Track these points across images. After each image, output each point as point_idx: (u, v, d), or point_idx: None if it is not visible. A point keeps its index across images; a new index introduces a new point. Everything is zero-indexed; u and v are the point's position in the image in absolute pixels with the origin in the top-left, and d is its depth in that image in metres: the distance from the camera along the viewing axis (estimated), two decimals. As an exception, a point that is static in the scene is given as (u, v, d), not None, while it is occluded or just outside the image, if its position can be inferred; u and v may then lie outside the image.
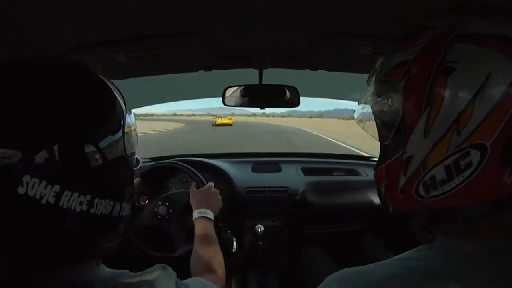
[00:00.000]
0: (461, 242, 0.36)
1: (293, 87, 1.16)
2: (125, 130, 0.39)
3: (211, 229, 0.84)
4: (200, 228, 0.83)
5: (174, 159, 1.31)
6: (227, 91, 1.18)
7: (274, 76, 1.17)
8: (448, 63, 0.33)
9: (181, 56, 0.98)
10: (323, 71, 1.10)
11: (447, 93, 0.33)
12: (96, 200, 0.34)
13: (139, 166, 1.32)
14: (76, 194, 0.32)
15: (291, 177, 1.45)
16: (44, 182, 0.31)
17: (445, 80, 0.33)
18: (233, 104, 1.19)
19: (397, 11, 0.66)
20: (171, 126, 25.24)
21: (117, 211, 0.38)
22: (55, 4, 0.58)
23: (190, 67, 1.12)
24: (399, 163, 0.38)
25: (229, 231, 1.27)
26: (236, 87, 1.17)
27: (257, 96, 1.18)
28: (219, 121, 25.54)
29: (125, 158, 0.40)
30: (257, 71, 1.11)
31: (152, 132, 18.95)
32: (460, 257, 0.35)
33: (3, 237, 0.32)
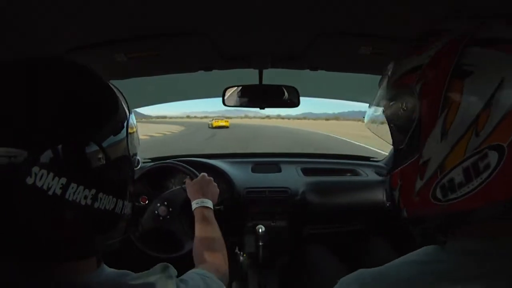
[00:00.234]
0: (478, 243, 0.36)
1: (293, 87, 1.16)
2: (129, 129, 0.40)
3: (209, 217, 0.84)
4: (199, 218, 0.83)
5: (174, 159, 1.30)
6: (227, 92, 1.18)
7: (276, 77, 1.17)
8: (464, 66, 0.33)
9: (181, 56, 0.98)
10: (324, 71, 1.10)
11: (464, 96, 0.33)
12: (100, 194, 0.35)
13: (139, 166, 1.32)
14: (81, 187, 0.33)
15: (291, 178, 1.45)
16: (52, 174, 0.31)
17: (461, 83, 0.33)
18: (232, 105, 1.19)
19: (397, 11, 0.67)
20: (167, 129, 23.31)
21: (119, 208, 0.38)
22: (55, 4, 0.58)
23: (190, 67, 1.12)
24: (415, 167, 0.38)
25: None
26: (236, 88, 1.17)
27: (256, 96, 1.18)
28: (216, 123, 25.23)
29: (128, 158, 0.40)
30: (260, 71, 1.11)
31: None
32: (477, 259, 0.34)
33: (9, 228, 0.32)
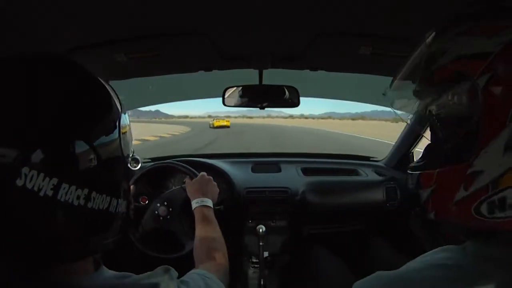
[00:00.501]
0: (502, 250, 0.33)
1: (293, 87, 1.16)
2: (121, 129, 0.39)
3: (209, 216, 0.83)
4: (199, 217, 0.83)
5: (174, 159, 1.30)
6: (226, 92, 1.18)
7: (276, 77, 1.17)
8: None
9: (181, 56, 0.98)
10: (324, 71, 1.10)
11: None
12: (93, 194, 0.34)
13: (139, 166, 1.32)
14: (73, 187, 0.32)
15: (291, 177, 1.45)
16: (42, 175, 0.31)
17: None
18: (232, 104, 1.19)
19: (397, 11, 0.67)
20: (171, 130, 21.58)
21: (113, 207, 0.37)
22: (55, 4, 0.58)
23: (190, 67, 1.12)
24: (460, 175, 0.32)
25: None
26: (236, 88, 1.17)
27: (256, 96, 1.18)
28: (217, 123, 24.99)
29: (121, 156, 0.39)
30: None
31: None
32: (498, 265, 0.32)
33: (2, 230, 0.32)
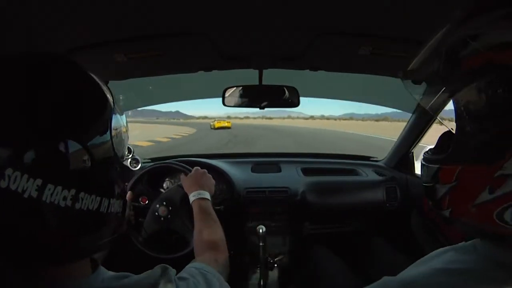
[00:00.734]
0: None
1: (293, 87, 1.16)
2: (114, 129, 0.39)
3: (207, 207, 0.84)
4: (196, 210, 0.83)
5: (174, 159, 1.30)
6: (226, 92, 1.18)
7: (276, 77, 1.17)
8: None
9: (181, 56, 0.98)
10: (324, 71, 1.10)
11: None
12: (81, 194, 0.33)
13: (139, 166, 1.32)
14: (59, 188, 0.31)
15: (291, 177, 1.45)
16: (26, 176, 0.30)
17: None
18: (232, 105, 1.19)
19: (397, 11, 0.67)
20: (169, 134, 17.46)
21: (104, 207, 0.36)
22: (55, 4, 0.58)
23: (190, 67, 1.12)
24: (487, 176, 0.30)
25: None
26: (236, 88, 1.17)
27: (256, 96, 1.18)
28: (218, 124, 24.74)
29: (112, 156, 0.38)
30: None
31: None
32: (507, 270, 0.31)
33: None
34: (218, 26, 0.79)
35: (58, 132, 0.32)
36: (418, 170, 1.44)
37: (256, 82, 1.13)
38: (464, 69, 0.32)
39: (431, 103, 0.38)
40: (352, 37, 0.83)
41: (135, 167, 1.28)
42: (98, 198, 0.35)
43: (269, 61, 1.03)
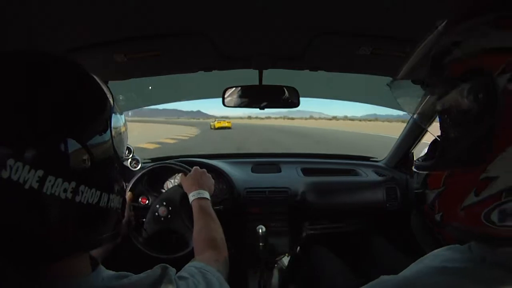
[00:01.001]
0: (507, 256, 0.32)
1: (293, 87, 1.16)
2: (114, 128, 0.39)
3: (206, 207, 0.84)
4: (196, 209, 0.83)
5: (174, 159, 1.30)
6: (226, 92, 1.18)
7: (276, 77, 1.17)
8: None
9: (181, 56, 0.98)
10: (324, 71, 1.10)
11: None
12: (82, 187, 0.34)
13: (139, 166, 1.32)
14: (60, 180, 0.32)
15: (291, 178, 1.45)
16: (27, 167, 0.30)
17: None
18: (232, 105, 1.19)
19: (397, 11, 0.67)
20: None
21: (104, 202, 0.37)
22: (55, 4, 0.59)
23: (190, 67, 1.12)
24: (472, 179, 0.31)
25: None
26: (236, 88, 1.17)
27: (256, 96, 1.18)
28: (218, 124, 24.52)
29: (112, 153, 0.39)
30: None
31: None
32: (504, 269, 0.31)
33: None
34: (218, 26, 0.79)
35: (57, 131, 0.33)
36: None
37: (256, 82, 1.13)
38: (446, 75, 0.33)
39: (418, 110, 0.39)
40: (352, 37, 0.83)
41: (135, 167, 1.28)
42: (98, 192, 0.36)
43: (269, 61, 1.03)
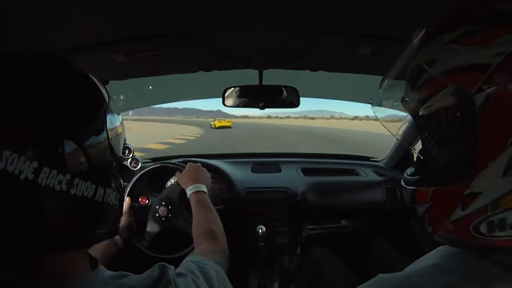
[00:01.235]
0: (506, 255, 0.32)
1: (293, 87, 1.16)
2: (108, 124, 0.39)
3: (203, 199, 0.84)
4: (193, 203, 0.83)
5: (174, 159, 1.30)
6: (226, 92, 1.18)
7: (276, 77, 1.17)
8: None
9: (181, 56, 0.98)
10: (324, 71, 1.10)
11: None
12: (76, 180, 0.34)
13: (139, 166, 1.33)
14: (55, 172, 0.32)
15: (291, 178, 1.45)
16: (23, 158, 0.31)
17: None
18: (232, 105, 1.19)
19: (397, 11, 0.67)
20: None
21: (100, 196, 0.37)
22: (55, 4, 0.59)
23: (190, 68, 1.12)
24: (457, 194, 0.31)
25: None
26: (236, 88, 1.17)
27: (256, 96, 1.18)
28: (219, 123, 24.41)
29: (108, 146, 0.39)
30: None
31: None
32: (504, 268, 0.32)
33: None
34: (218, 26, 0.79)
35: (53, 128, 0.33)
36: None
37: (256, 82, 1.13)
38: (423, 95, 0.33)
39: (399, 129, 0.41)
40: (352, 37, 0.83)
41: (135, 167, 1.28)
42: (93, 186, 0.36)
43: (269, 61, 1.03)
